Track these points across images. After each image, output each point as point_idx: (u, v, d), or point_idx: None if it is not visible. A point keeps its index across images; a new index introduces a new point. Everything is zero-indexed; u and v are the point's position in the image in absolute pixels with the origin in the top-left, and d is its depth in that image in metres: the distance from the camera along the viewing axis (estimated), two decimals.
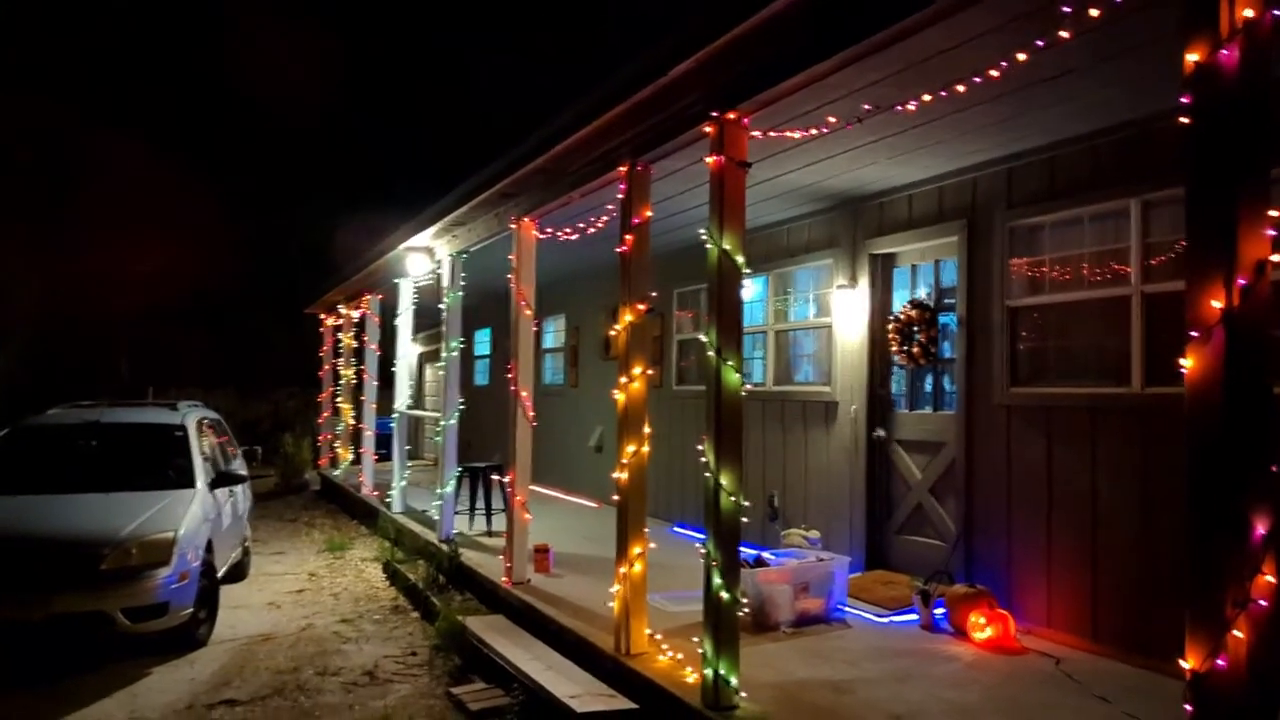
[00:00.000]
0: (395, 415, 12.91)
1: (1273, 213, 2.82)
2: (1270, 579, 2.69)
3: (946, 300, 7.46)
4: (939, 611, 6.50)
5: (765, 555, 6.99)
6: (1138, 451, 5.68)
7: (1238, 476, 2.67)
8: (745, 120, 5.07)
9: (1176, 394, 5.31)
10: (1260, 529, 2.67)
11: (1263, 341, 2.75)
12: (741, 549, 5.22)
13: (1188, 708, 2.74)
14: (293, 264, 28.29)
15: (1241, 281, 2.70)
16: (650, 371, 6.24)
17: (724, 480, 4.92)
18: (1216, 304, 2.71)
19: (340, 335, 17.40)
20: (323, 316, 19.43)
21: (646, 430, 6.00)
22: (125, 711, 5.87)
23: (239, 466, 9.94)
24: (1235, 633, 2.64)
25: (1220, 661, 2.65)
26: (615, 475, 6.02)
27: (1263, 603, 2.67)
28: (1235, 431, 2.68)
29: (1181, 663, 2.75)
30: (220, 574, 8.15)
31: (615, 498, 6.04)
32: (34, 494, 7.42)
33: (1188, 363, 2.78)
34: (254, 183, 31.97)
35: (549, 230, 8.38)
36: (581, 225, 8.17)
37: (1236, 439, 2.68)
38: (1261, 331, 2.73)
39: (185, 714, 5.83)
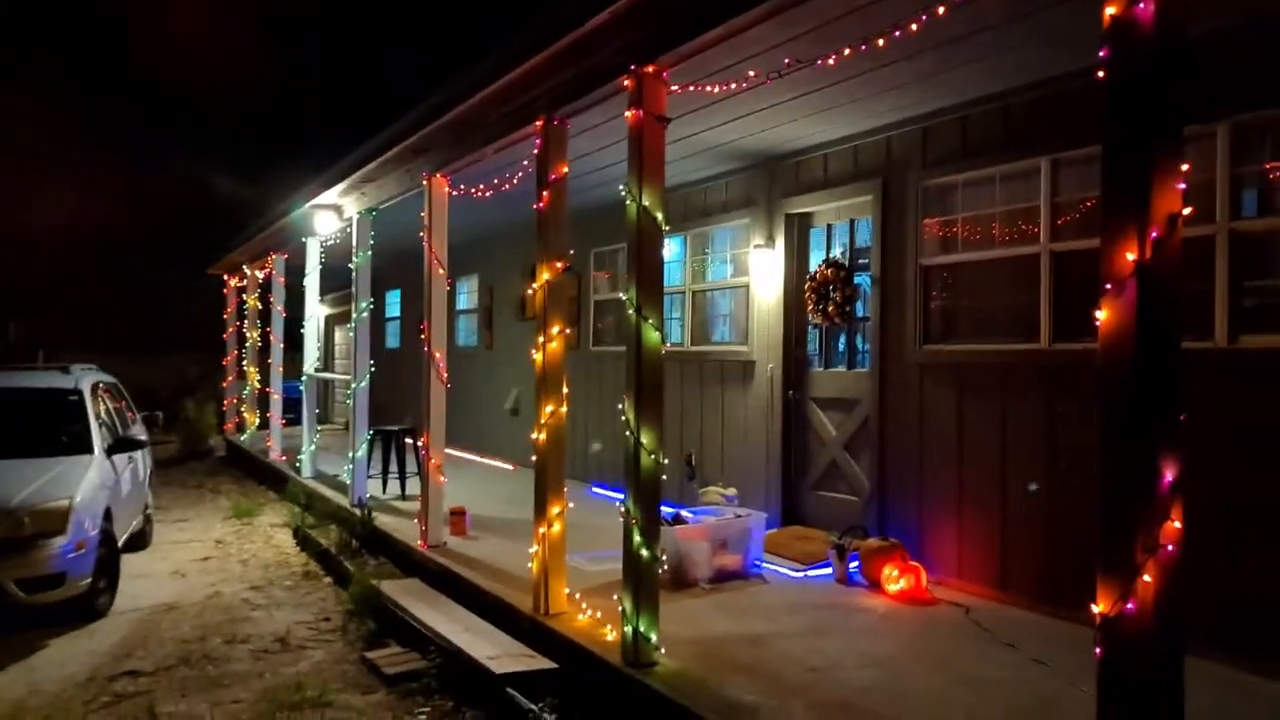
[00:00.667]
0: (304, 379, 12.58)
1: (1184, 167, 2.86)
2: (1177, 525, 2.76)
3: (861, 260, 7.53)
4: (853, 565, 6.61)
5: (684, 513, 7.02)
6: (1045, 406, 5.83)
7: (1148, 426, 2.73)
8: (664, 74, 4.99)
9: (1083, 350, 5.48)
10: (1169, 476, 2.74)
11: (1174, 294, 2.80)
12: (661, 507, 5.21)
13: (1098, 650, 2.81)
14: (194, 223, 27.27)
15: (1154, 234, 2.74)
16: (568, 332, 6.16)
17: (644, 439, 4.89)
18: (1130, 256, 2.75)
19: (245, 297, 16.85)
20: (226, 277, 18.78)
21: (565, 391, 5.94)
22: (22, 685, 5.61)
23: (139, 432, 9.57)
24: (1144, 577, 2.71)
25: (1129, 605, 2.72)
26: (533, 436, 5.95)
27: (1170, 548, 2.75)
28: (1147, 382, 2.73)
29: (1092, 607, 2.81)
30: (120, 543, 7.84)
31: (533, 459, 5.97)
32: None
33: (1101, 315, 2.83)
34: (155, 139, 30.64)
35: (462, 187, 8.19)
36: (496, 182, 7.99)
37: (1148, 389, 2.73)
38: (1173, 284, 2.79)
39: (86, 686, 5.61)
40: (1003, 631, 5.39)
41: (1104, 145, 2.89)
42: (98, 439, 7.75)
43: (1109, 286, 2.80)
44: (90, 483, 7.05)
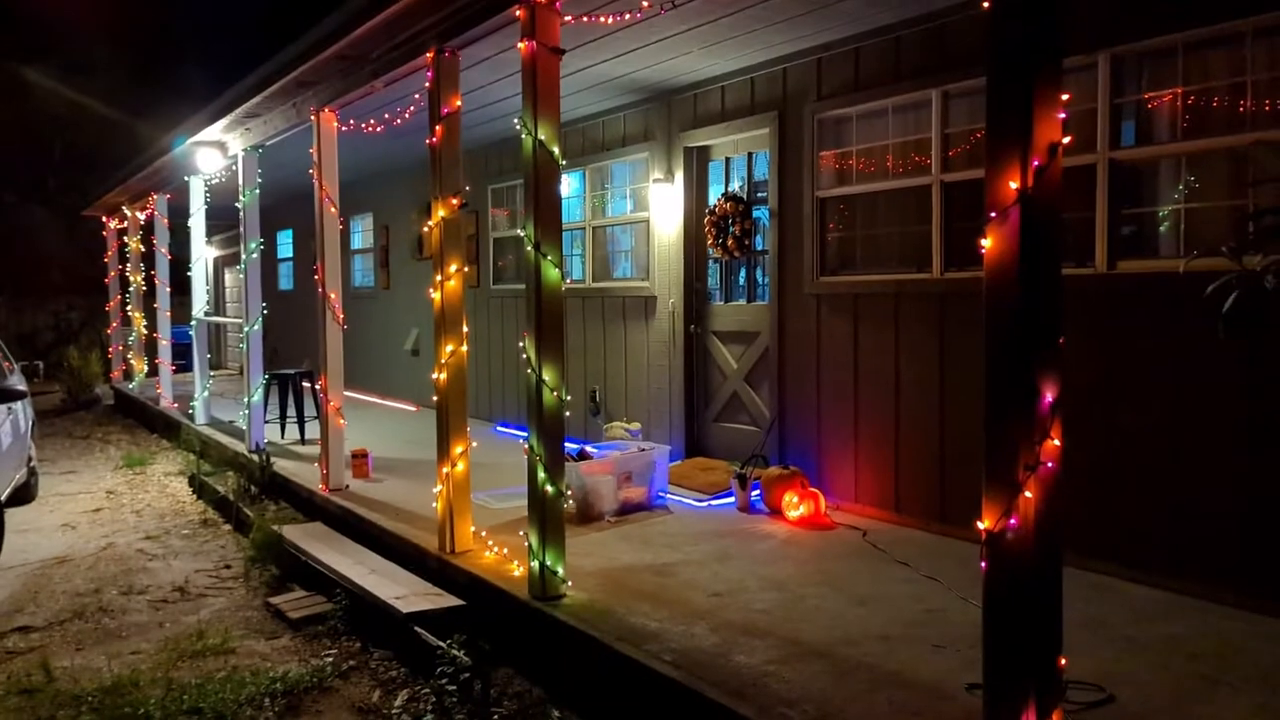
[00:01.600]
0: (193, 323, 12.15)
1: (1064, 97, 2.95)
2: (1057, 443, 2.90)
3: (760, 193, 7.58)
4: (755, 494, 6.77)
5: (588, 448, 7.06)
6: (936, 334, 6.02)
7: (1030, 348, 2.84)
8: (557, 4, 4.88)
9: (971, 278, 5.64)
10: (1049, 397, 2.87)
11: (1055, 221, 2.90)
12: (565, 443, 5.23)
13: (984, 564, 2.95)
14: (69, 161, 25.79)
15: (1036, 163, 2.82)
16: (466, 270, 6.07)
17: (546, 376, 4.88)
18: (1013, 185, 2.83)
19: (126, 239, 16.10)
20: (105, 219, 17.90)
21: (465, 330, 5.87)
22: None
23: (16, 382, 9.15)
24: (1026, 494, 2.84)
25: (1013, 521, 2.85)
26: (434, 376, 5.88)
27: (1049, 465, 2.88)
28: (1029, 305, 2.83)
29: (978, 524, 2.94)
30: (3, 497, 7.53)
31: (435, 399, 5.92)
32: None
33: (987, 242, 2.91)
34: (24, 68, 28.67)
35: (352, 122, 7.94)
36: (387, 117, 7.77)
37: (1030, 313, 2.84)
38: (1053, 211, 2.88)
39: None
40: (897, 551, 5.61)
41: (987, 75, 2.94)
42: None
43: (993, 215, 2.88)
44: None
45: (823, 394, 6.83)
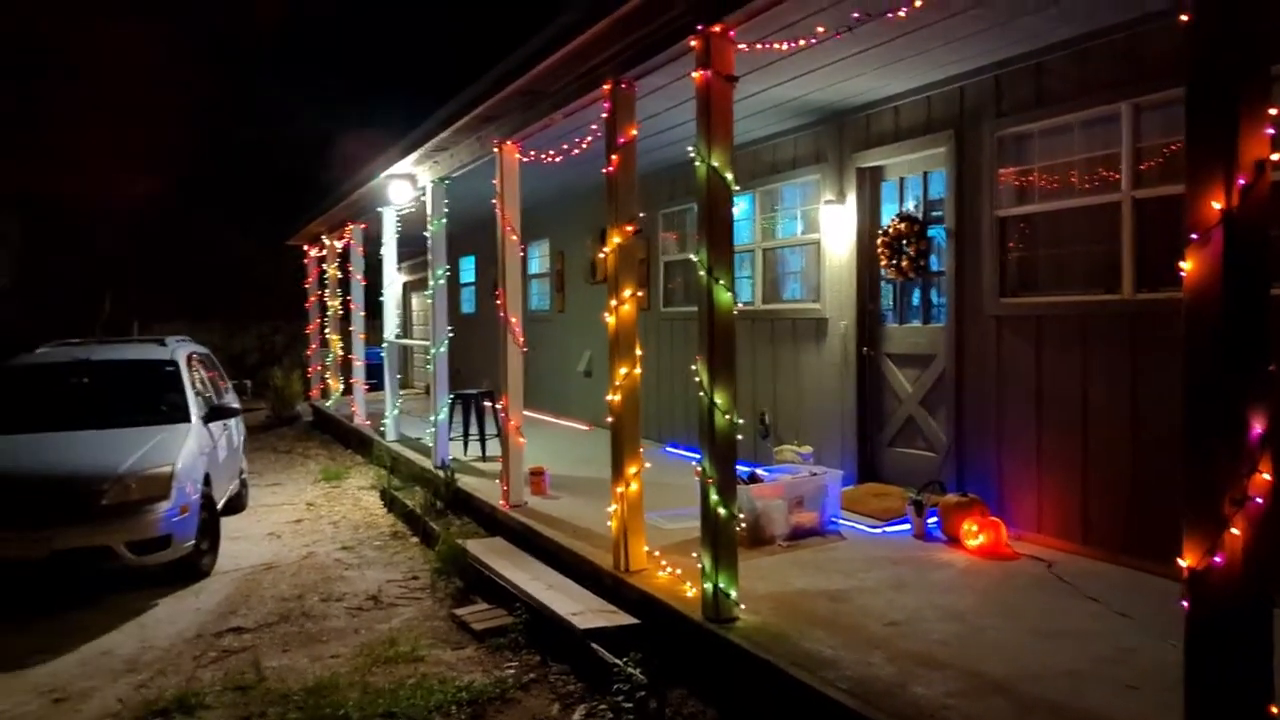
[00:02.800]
0: (384, 345, 12.88)
1: (1272, 111, 2.79)
2: (1267, 477, 2.72)
3: (935, 213, 7.43)
4: (932, 521, 6.60)
5: (759, 471, 7.07)
6: (1128, 357, 5.72)
7: (1236, 376, 2.69)
8: (731, 33, 4.96)
9: (1167, 299, 5.36)
10: (1258, 428, 2.70)
11: (1262, 242, 2.74)
12: (736, 466, 5.27)
13: (1185, 604, 2.80)
14: (275, 195, 27.86)
15: (1241, 181, 2.68)
16: (639, 294, 6.21)
17: (718, 399, 4.94)
18: (1216, 205, 2.70)
19: (325, 266, 17.24)
20: (306, 248, 19.23)
21: (638, 352, 6.01)
22: (135, 641, 5.95)
23: (231, 400, 9.93)
24: (1232, 530, 2.69)
25: (1217, 559, 2.70)
26: (608, 398, 6.04)
27: (1259, 500, 2.71)
28: (1234, 332, 2.69)
29: (1179, 561, 2.80)
30: (220, 506, 8.20)
31: (608, 419, 6.07)
32: (29, 432, 7.41)
33: (1187, 265, 2.78)
34: (236, 112, 31.30)
35: (532, 153, 8.26)
36: (565, 147, 8.05)
37: (1235, 339, 2.69)
38: (1261, 232, 2.73)
39: (194, 643, 5.92)
40: (1085, 585, 5.36)
41: (1188, 90, 2.82)
42: (194, 408, 8.08)
43: (1194, 236, 2.75)
44: (189, 450, 7.37)
45: (1003, 419, 6.60)
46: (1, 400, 8.07)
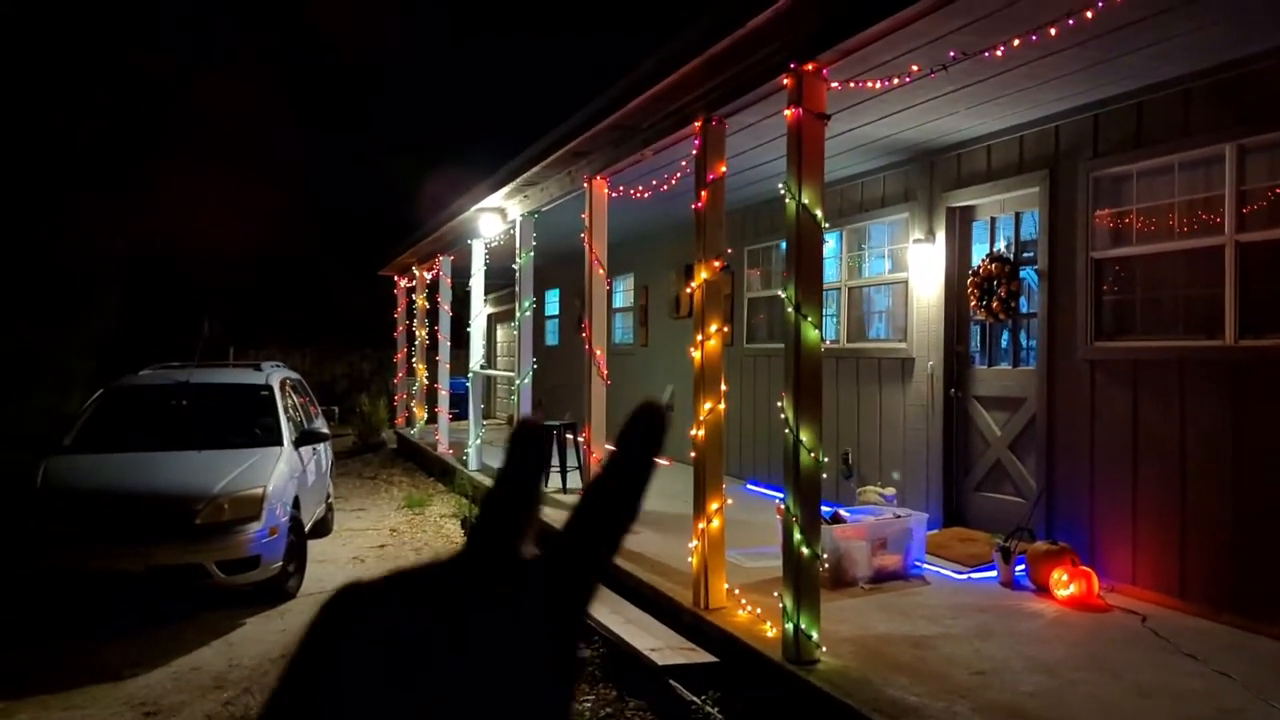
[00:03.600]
0: (470, 375, 13.10)
1: None
2: None
3: (1026, 254, 7.30)
4: (1020, 569, 6.43)
5: (842, 512, 6.98)
6: (1229, 405, 5.52)
7: None
8: (824, 71, 4.99)
9: (1272, 346, 5.17)
10: None
11: None
12: (820, 506, 5.22)
13: None
14: (367, 225, 28.70)
15: None
16: (725, 329, 6.23)
17: (804, 437, 4.91)
18: None
19: (414, 296, 17.64)
20: (396, 278, 19.71)
21: (723, 388, 6.01)
22: (223, 659, 6.11)
23: (320, 425, 10.19)
24: None
25: None
26: (692, 433, 6.04)
27: None
28: None
29: None
30: (307, 529, 8.40)
31: (691, 455, 6.07)
32: (130, 452, 7.71)
33: None
34: (332, 143, 32.45)
35: (621, 188, 8.37)
36: (654, 183, 8.15)
37: None
38: None
39: (279, 663, 6.03)
40: (1182, 641, 5.15)
41: None
42: (286, 432, 8.32)
43: None
44: (280, 473, 7.59)
45: (1096, 466, 6.41)
46: (106, 420, 8.42)
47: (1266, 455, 5.24)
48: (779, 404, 5.10)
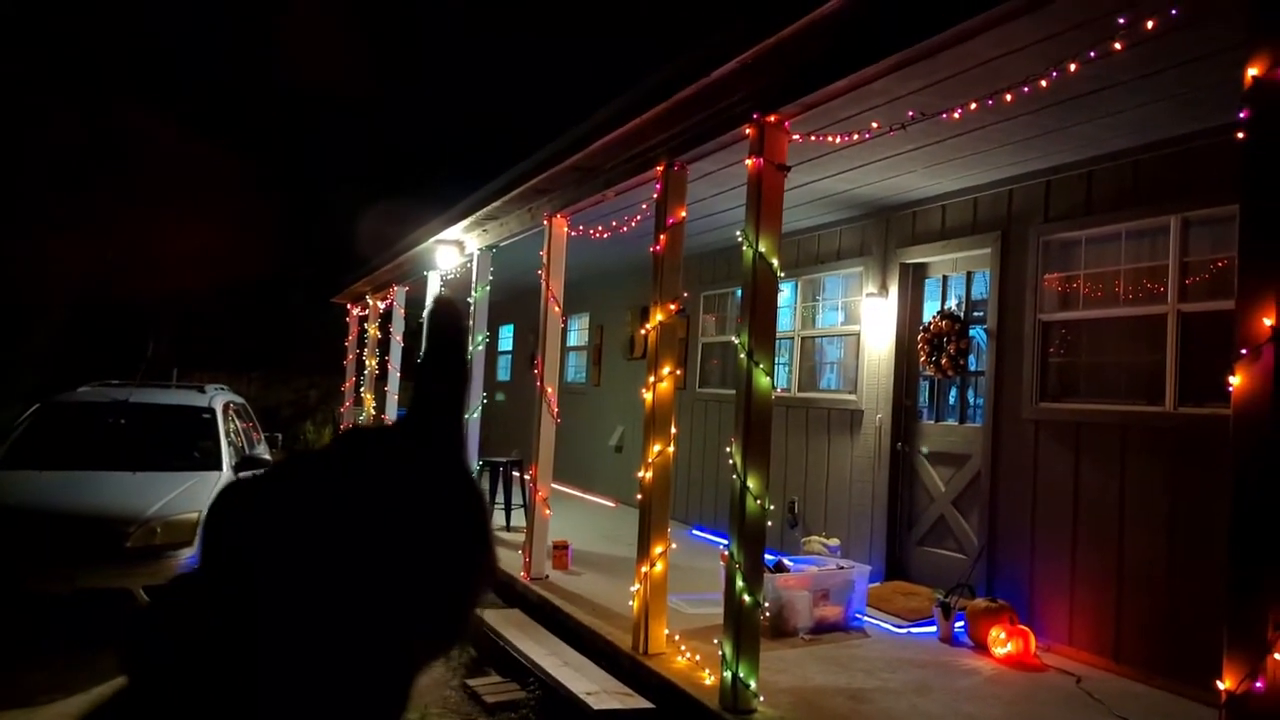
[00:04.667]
0: None
1: None
2: None
3: (977, 313, 7.42)
4: (959, 625, 6.46)
5: (785, 561, 6.97)
6: (1168, 471, 5.63)
7: None
8: (787, 123, 5.06)
9: (1210, 415, 5.28)
10: None
11: None
12: (764, 554, 5.20)
13: None
14: (319, 253, 28.43)
15: None
16: (677, 372, 6.23)
17: (751, 483, 4.91)
18: (1268, 321, 2.68)
19: (366, 325, 17.45)
20: (349, 306, 19.51)
21: (673, 431, 6.00)
22: None
23: (263, 451, 9.99)
24: (1275, 655, 2.61)
25: (1258, 684, 2.62)
26: (639, 474, 6.01)
27: None
28: None
29: (1217, 684, 2.71)
30: None
31: (638, 497, 6.04)
32: (62, 470, 7.49)
33: (1235, 380, 2.75)
34: (283, 170, 32.18)
35: (581, 227, 8.39)
36: (614, 224, 8.17)
37: None
38: None
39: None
40: (1116, 704, 5.19)
41: (1241, 207, 2.83)
42: (227, 456, 8.15)
43: (1244, 351, 2.73)
44: None
45: (1037, 525, 6.48)
46: (41, 436, 8.17)
47: (1202, 521, 5.33)
48: (728, 449, 5.10)
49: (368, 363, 17.00)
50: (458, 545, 0.66)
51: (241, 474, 8.25)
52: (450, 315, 0.71)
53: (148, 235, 25.75)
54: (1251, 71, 2.80)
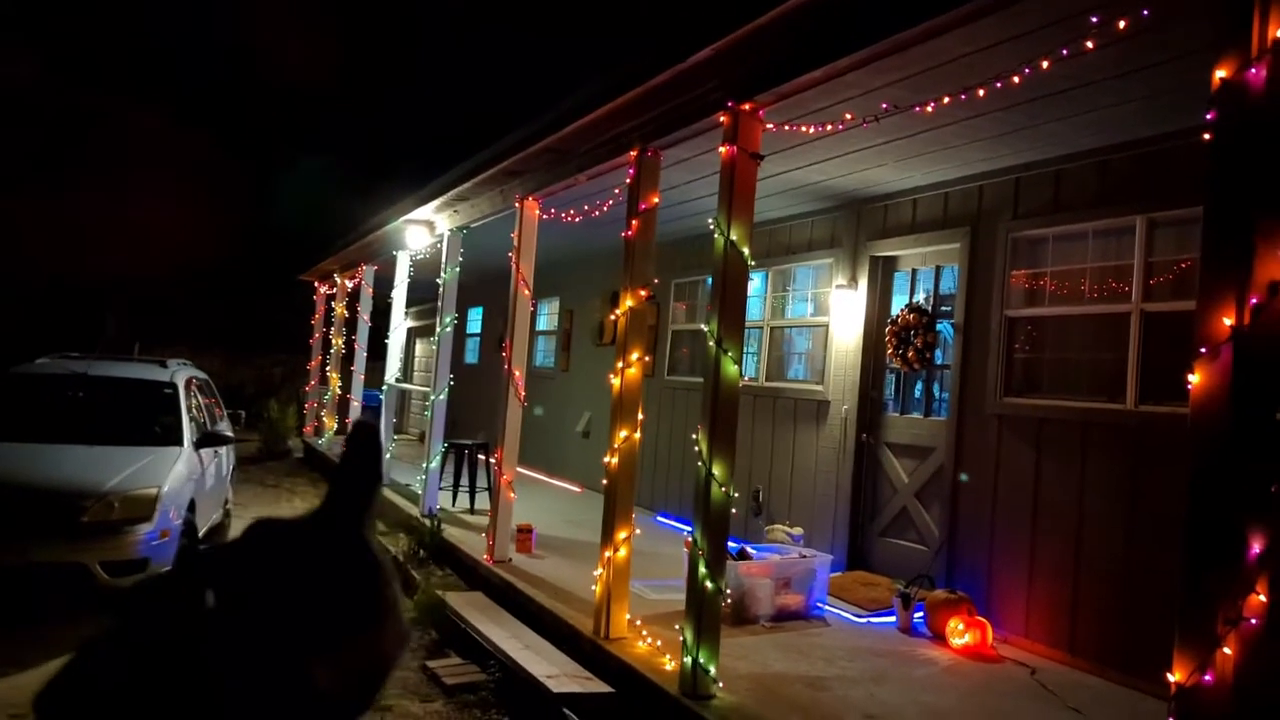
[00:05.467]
0: (384, 388, 12.87)
1: None
2: (1263, 598, 2.70)
3: (945, 307, 7.47)
4: (918, 615, 6.52)
5: (748, 549, 7.00)
6: (1127, 468, 5.71)
7: (1239, 493, 2.68)
8: (761, 112, 5.06)
9: (1169, 413, 5.36)
10: (1256, 548, 2.69)
11: (1272, 362, 2.75)
12: (727, 541, 5.22)
13: None
14: (288, 229, 28.14)
15: (1254, 301, 2.71)
16: (646, 359, 6.23)
17: (716, 470, 4.92)
18: (1227, 321, 2.72)
19: (334, 304, 17.31)
20: (317, 284, 19.34)
21: (640, 417, 6.00)
22: None
23: (225, 428, 9.88)
24: (1225, 650, 2.65)
25: (1207, 677, 2.66)
26: (605, 460, 6.01)
27: (1253, 621, 2.68)
28: (1238, 449, 2.68)
29: (1168, 676, 2.76)
30: (201, 534, 8.10)
31: (603, 482, 6.04)
32: (18, 442, 7.36)
33: (1194, 378, 2.79)
34: (254, 145, 31.78)
35: (552, 211, 8.35)
36: (586, 208, 8.14)
37: (1239, 456, 2.69)
38: (1271, 352, 2.74)
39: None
40: (1069, 695, 5.27)
41: (1205, 208, 2.86)
42: (188, 432, 8.04)
43: (1203, 350, 2.77)
44: (178, 474, 7.32)
45: (998, 519, 6.56)
46: None
47: (1157, 518, 5.42)
48: (694, 437, 5.11)
49: (334, 342, 16.88)
50: (352, 607, 0.85)
51: (202, 449, 8.14)
52: (370, 435, 0.98)
53: (112, 209, 25.35)
54: (1219, 74, 2.83)
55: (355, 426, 0.90)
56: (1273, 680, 2.68)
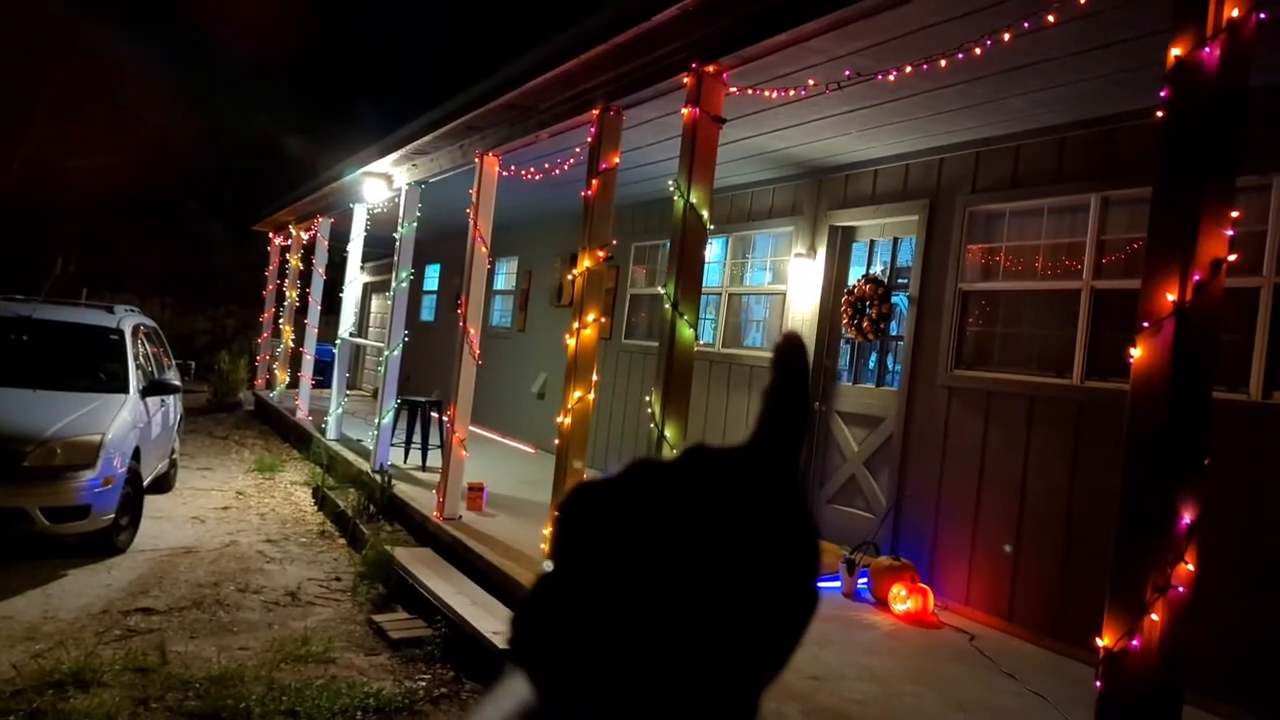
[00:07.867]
0: (338, 342, 12.73)
1: (1234, 214, 2.87)
2: (1190, 567, 2.77)
3: (901, 279, 7.53)
4: (862, 581, 6.63)
5: None
6: (1070, 442, 5.82)
7: (1172, 465, 2.75)
8: (725, 75, 5.03)
9: (1113, 390, 5.46)
10: (1186, 518, 2.76)
11: (1211, 338, 2.81)
12: None
13: (1098, 684, 2.83)
14: (245, 178, 27.60)
15: (1197, 277, 2.76)
16: (603, 321, 6.22)
17: (668, 432, 4.94)
18: (1170, 297, 2.77)
19: (288, 256, 17.04)
20: (272, 235, 19.03)
21: (594, 378, 5.99)
22: (38, 610, 5.76)
23: (173, 377, 9.73)
24: (1152, 616, 2.73)
25: (1135, 642, 2.74)
26: (558, 420, 6.01)
27: (1181, 589, 2.76)
28: (1174, 422, 2.74)
29: (1097, 641, 2.83)
30: (145, 483, 8.00)
31: (556, 442, 6.04)
32: None
33: (1136, 352, 2.84)
34: (212, 90, 31.02)
35: (513, 168, 8.27)
36: (546, 166, 8.07)
37: (1174, 429, 2.75)
38: (1211, 329, 2.80)
39: (100, 618, 5.75)
40: (1005, 661, 5.40)
41: (1155, 182, 2.90)
42: (134, 379, 7.91)
43: (1145, 324, 2.82)
44: (123, 421, 7.21)
45: (944, 489, 6.67)
46: None
47: (1097, 492, 5.54)
48: (649, 399, 5.12)
49: (288, 294, 16.64)
50: (785, 589, 0.64)
51: (149, 397, 8.02)
52: (800, 350, 0.69)
53: (57, 145, 24.63)
54: (1174, 51, 2.86)
55: (786, 338, 0.69)
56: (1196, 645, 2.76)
